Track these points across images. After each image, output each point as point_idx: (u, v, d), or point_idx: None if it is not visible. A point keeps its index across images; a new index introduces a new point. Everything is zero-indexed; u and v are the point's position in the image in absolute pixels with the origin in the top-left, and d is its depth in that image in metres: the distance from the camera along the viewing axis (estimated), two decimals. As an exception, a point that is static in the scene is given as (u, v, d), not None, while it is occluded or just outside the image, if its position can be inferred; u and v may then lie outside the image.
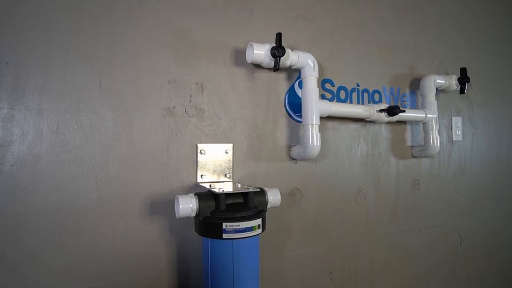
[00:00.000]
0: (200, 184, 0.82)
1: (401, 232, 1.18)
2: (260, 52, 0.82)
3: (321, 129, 0.98)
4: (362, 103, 1.09)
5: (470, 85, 1.34)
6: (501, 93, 1.50)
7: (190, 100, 0.82)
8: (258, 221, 0.69)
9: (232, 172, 0.86)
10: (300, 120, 0.96)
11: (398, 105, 1.11)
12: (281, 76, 0.96)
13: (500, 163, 1.48)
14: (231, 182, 0.84)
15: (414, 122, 1.21)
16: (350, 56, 1.09)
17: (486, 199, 1.42)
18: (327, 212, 1.02)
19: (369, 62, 1.12)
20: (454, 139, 1.33)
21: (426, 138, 1.16)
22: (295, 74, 0.97)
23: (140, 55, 0.77)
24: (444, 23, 1.34)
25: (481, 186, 1.41)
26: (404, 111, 1.01)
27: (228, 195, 0.71)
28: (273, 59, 0.82)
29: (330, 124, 1.03)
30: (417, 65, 1.24)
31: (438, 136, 1.14)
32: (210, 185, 0.75)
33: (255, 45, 0.82)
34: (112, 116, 0.74)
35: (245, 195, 0.74)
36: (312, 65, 0.88)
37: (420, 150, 1.18)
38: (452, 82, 1.18)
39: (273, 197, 0.78)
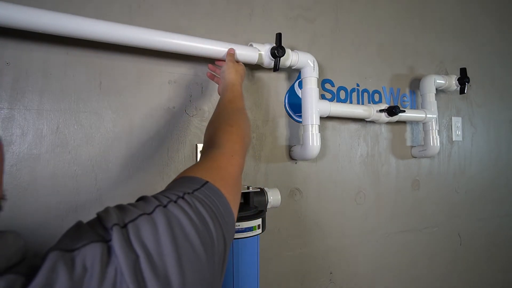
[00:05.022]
0: (200, 184, 0.81)
1: (401, 232, 1.18)
2: (260, 52, 0.82)
3: (321, 129, 0.98)
4: (362, 103, 1.09)
5: (470, 85, 1.34)
6: (501, 93, 1.50)
7: (190, 100, 0.82)
8: (258, 221, 0.69)
9: (232, 172, 0.86)
10: (300, 120, 0.96)
11: (398, 105, 1.11)
12: (281, 76, 0.96)
13: (500, 163, 1.48)
14: (231, 182, 0.84)
15: (414, 122, 1.21)
16: (350, 56, 1.09)
17: (486, 199, 1.42)
18: (327, 212, 1.02)
19: (369, 62, 1.12)
20: (454, 139, 1.33)
21: (426, 138, 1.16)
22: (295, 74, 0.98)
23: (140, 55, 0.77)
24: (444, 23, 1.34)
25: (481, 186, 1.41)
26: (404, 111, 1.01)
27: (228, 195, 0.71)
28: (273, 59, 0.82)
29: (330, 124, 1.03)
30: (417, 65, 1.25)
31: (438, 136, 1.14)
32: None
33: (255, 45, 0.82)
34: (112, 116, 0.74)
35: (245, 195, 0.74)
36: (312, 65, 0.88)
37: (420, 150, 1.18)
38: (452, 82, 1.18)
39: (273, 197, 0.78)
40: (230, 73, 0.72)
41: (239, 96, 0.67)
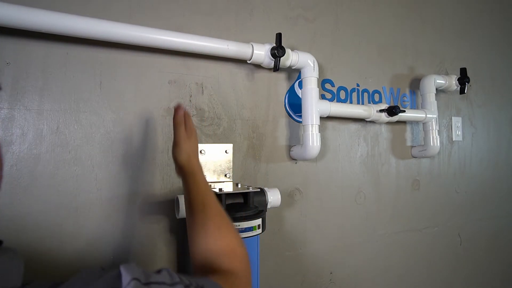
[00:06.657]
0: (200, 184, 0.81)
1: (401, 232, 1.18)
2: (260, 52, 0.82)
3: (321, 129, 0.98)
4: (362, 103, 1.09)
5: (470, 85, 1.34)
6: (501, 93, 1.50)
7: (190, 100, 0.82)
8: (258, 221, 0.70)
9: (232, 172, 0.86)
10: (300, 120, 0.96)
11: (398, 105, 1.11)
12: (281, 76, 0.96)
13: (500, 163, 1.48)
14: (231, 182, 0.84)
15: (414, 122, 1.21)
16: (350, 56, 1.09)
17: (486, 199, 1.42)
18: (327, 212, 1.02)
19: (369, 62, 1.12)
20: (454, 139, 1.33)
21: (426, 138, 1.16)
22: (295, 74, 0.98)
23: (140, 55, 0.77)
24: (444, 23, 1.34)
25: (481, 186, 1.41)
26: (404, 111, 1.01)
27: (228, 195, 0.71)
28: (273, 59, 0.82)
29: (330, 124, 1.03)
30: (417, 65, 1.24)
31: (438, 136, 1.14)
32: (210, 185, 0.75)
33: (255, 45, 0.82)
34: (112, 116, 0.74)
35: (245, 195, 0.74)
36: (312, 65, 0.88)
37: (420, 150, 1.18)
38: (452, 82, 1.18)
39: (273, 197, 0.78)
40: (182, 159, 0.57)
41: (207, 191, 0.55)
